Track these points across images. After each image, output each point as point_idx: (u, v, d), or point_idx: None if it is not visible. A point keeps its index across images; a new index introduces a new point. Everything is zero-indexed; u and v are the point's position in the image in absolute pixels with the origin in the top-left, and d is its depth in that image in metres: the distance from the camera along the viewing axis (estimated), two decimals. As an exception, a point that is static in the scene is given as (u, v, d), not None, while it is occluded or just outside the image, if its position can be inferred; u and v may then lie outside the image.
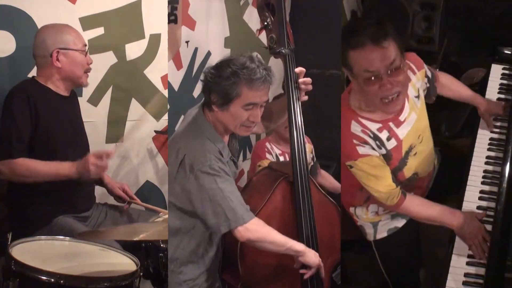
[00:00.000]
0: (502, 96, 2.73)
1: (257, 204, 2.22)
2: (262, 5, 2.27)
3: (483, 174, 2.40)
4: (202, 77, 2.16)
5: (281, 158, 3.00)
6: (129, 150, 3.13)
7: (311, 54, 3.68)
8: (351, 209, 2.55)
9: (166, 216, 2.28)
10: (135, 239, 2.09)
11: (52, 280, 1.88)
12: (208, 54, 3.37)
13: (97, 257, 2.17)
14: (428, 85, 2.52)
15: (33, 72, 2.61)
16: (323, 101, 3.45)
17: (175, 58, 3.13)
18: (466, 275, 2.08)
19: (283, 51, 2.24)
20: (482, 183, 2.36)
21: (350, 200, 2.53)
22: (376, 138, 2.28)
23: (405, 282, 2.48)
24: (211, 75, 2.10)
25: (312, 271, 2.17)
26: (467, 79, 3.46)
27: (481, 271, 2.08)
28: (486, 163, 2.44)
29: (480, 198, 2.31)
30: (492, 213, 2.23)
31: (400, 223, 2.48)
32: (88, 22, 2.80)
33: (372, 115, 2.28)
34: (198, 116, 2.19)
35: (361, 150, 2.23)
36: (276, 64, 2.71)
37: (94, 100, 2.94)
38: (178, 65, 3.17)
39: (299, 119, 2.26)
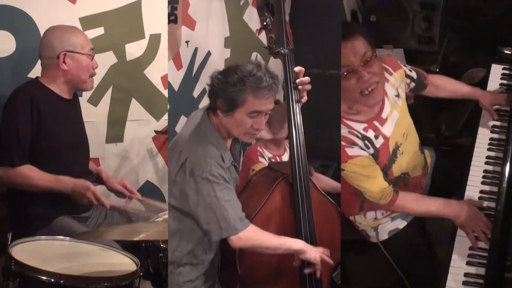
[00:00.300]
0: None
1: (256, 204, 2.22)
2: (262, 5, 2.27)
3: (483, 174, 2.40)
4: (208, 81, 2.16)
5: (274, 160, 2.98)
6: (129, 150, 3.13)
7: (311, 54, 3.68)
8: (351, 217, 2.56)
9: (166, 216, 2.28)
10: (135, 239, 2.09)
11: (52, 280, 1.88)
12: (208, 54, 3.37)
13: (97, 257, 2.17)
14: (414, 84, 2.58)
15: (33, 72, 2.61)
16: (323, 101, 3.45)
17: (175, 58, 3.13)
18: (466, 275, 2.08)
19: (282, 51, 2.24)
20: (482, 183, 2.37)
21: (348, 209, 2.55)
22: (364, 137, 2.31)
23: (419, 275, 2.47)
24: (218, 81, 2.10)
25: (314, 269, 2.17)
26: (467, 79, 3.46)
27: (481, 271, 2.08)
28: (486, 163, 2.45)
29: (480, 198, 2.31)
30: (492, 213, 2.23)
31: (401, 224, 2.49)
32: (88, 22, 2.80)
33: (356, 116, 2.32)
34: (203, 120, 2.19)
35: (350, 151, 2.26)
36: (276, 64, 2.71)
37: (94, 100, 2.94)
38: (178, 65, 3.17)
39: (298, 119, 2.26)
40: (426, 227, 2.56)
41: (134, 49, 3.02)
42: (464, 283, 2.06)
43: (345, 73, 2.20)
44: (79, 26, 2.74)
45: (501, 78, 2.81)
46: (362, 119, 2.33)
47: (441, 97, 2.69)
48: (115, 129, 3.05)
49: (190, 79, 3.27)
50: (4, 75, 2.57)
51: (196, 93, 3.31)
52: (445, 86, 2.70)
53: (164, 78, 3.13)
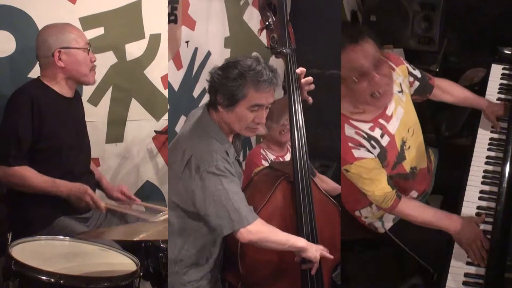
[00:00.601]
0: (502, 96, 2.74)
1: (258, 204, 2.22)
2: (264, 5, 2.27)
3: (483, 174, 2.40)
4: (208, 77, 2.16)
5: None
6: (129, 150, 3.13)
7: (311, 54, 3.68)
8: (357, 212, 2.56)
9: (166, 216, 2.28)
10: (135, 239, 2.09)
11: (52, 280, 1.88)
12: (208, 54, 3.37)
13: (97, 257, 2.17)
14: (418, 83, 2.55)
15: (33, 72, 2.61)
16: (323, 101, 3.44)
17: (175, 58, 3.13)
18: (466, 275, 2.08)
19: (285, 50, 2.25)
20: (482, 183, 2.37)
21: (354, 205, 2.54)
22: (370, 137, 2.30)
23: (431, 255, 2.44)
24: (218, 76, 2.10)
25: (311, 265, 2.17)
26: (467, 79, 3.47)
27: (481, 271, 2.08)
28: (486, 163, 2.45)
29: (480, 198, 2.32)
30: (492, 213, 2.23)
31: None
32: (88, 22, 2.80)
33: (362, 116, 2.31)
34: (203, 116, 2.19)
35: (357, 153, 2.25)
36: (275, 64, 2.71)
37: (94, 100, 2.94)
38: (178, 65, 3.17)
39: (300, 118, 2.26)
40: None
41: (134, 49, 3.02)
42: (464, 283, 2.07)
43: (355, 78, 2.18)
44: (79, 26, 2.74)
45: (501, 78, 2.81)
46: (367, 118, 2.32)
47: (444, 101, 2.68)
48: (115, 129, 3.04)
49: (190, 79, 3.27)
50: (4, 75, 2.57)
51: (196, 93, 3.31)
52: (453, 91, 2.68)
53: (164, 78, 3.13)
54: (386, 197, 2.27)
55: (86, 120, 2.72)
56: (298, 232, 2.23)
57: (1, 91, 2.49)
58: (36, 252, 2.07)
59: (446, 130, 3.51)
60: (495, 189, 2.32)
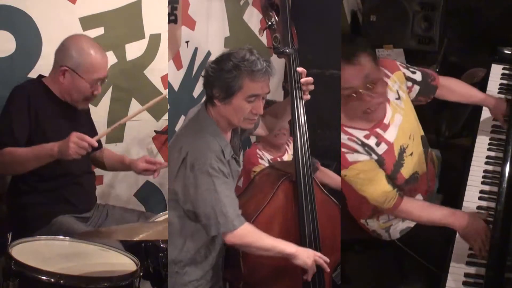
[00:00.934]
0: (502, 96, 2.73)
1: (260, 203, 2.22)
2: (266, 5, 2.27)
3: (483, 174, 2.40)
4: (203, 72, 2.16)
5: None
6: (129, 150, 3.13)
7: (311, 54, 3.68)
8: (362, 221, 2.56)
9: (166, 216, 2.28)
10: (135, 239, 2.09)
11: (52, 280, 1.88)
12: (208, 54, 3.37)
13: (97, 257, 2.17)
14: (418, 87, 2.53)
15: (33, 72, 2.62)
16: (323, 101, 3.44)
17: (175, 58, 3.13)
18: (466, 275, 2.08)
19: (287, 50, 2.25)
20: (482, 183, 2.37)
21: (358, 213, 2.55)
22: (364, 145, 2.31)
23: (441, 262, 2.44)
24: (212, 69, 2.11)
25: (309, 273, 2.16)
26: (467, 79, 3.46)
27: (481, 271, 2.08)
28: (486, 163, 2.45)
29: (480, 198, 2.32)
30: (492, 213, 2.23)
31: (412, 223, 2.47)
32: (88, 22, 2.80)
33: (357, 123, 2.31)
34: (201, 114, 2.20)
35: (351, 157, 2.26)
36: (276, 63, 2.71)
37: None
38: (178, 65, 3.17)
39: (302, 118, 2.27)
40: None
41: (134, 49, 3.02)
42: (464, 283, 2.06)
43: (346, 96, 2.17)
44: (79, 26, 2.75)
45: (501, 78, 2.81)
46: (363, 126, 2.32)
47: (452, 100, 2.66)
48: (115, 129, 3.04)
49: (190, 79, 3.27)
50: (4, 75, 2.57)
51: (196, 93, 3.31)
52: (459, 90, 2.64)
53: (164, 78, 3.13)
54: (388, 197, 2.26)
55: (86, 120, 2.72)
56: (300, 232, 2.23)
57: (1, 91, 2.49)
58: (36, 252, 2.07)
59: (446, 130, 3.51)
60: (495, 189, 2.32)
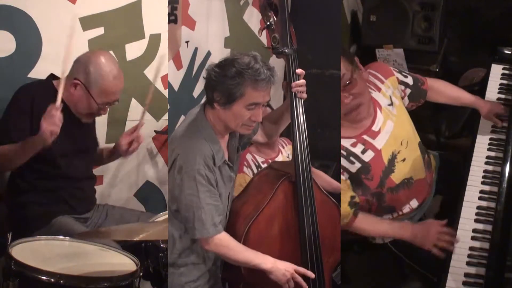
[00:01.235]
0: (502, 96, 2.74)
1: (260, 204, 2.22)
2: (265, 4, 2.27)
3: (483, 174, 2.40)
4: (204, 74, 2.16)
5: (265, 166, 2.96)
6: (129, 150, 3.13)
7: (311, 54, 3.68)
8: None
9: (166, 216, 2.28)
10: (135, 239, 2.09)
11: (52, 280, 1.89)
12: (208, 54, 3.36)
13: (97, 257, 2.17)
14: (410, 90, 2.55)
15: (33, 72, 2.61)
16: (323, 101, 3.44)
17: (175, 58, 3.13)
18: (466, 275, 2.08)
19: (286, 51, 2.24)
20: (482, 183, 2.37)
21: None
22: (349, 154, 2.35)
23: (433, 264, 2.46)
24: (215, 74, 2.10)
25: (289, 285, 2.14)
26: (467, 79, 3.47)
27: (481, 271, 2.08)
28: (486, 163, 2.45)
29: (480, 198, 2.32)
30: (492, 213, 2.23)
31: None
32: (88, 22, 2.80)
33: (344, 132, 2.36)
34: (199, 116, 2.19)
35: None
36: (276, 64, 2.70)
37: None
38: (178, 65, 3.17)
39: (301, 118, 2.26)
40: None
41: (134, 49, 3.02)
42: (464, 283, 2.06)
43: None
44: (79, 26, 2.74)
45: (501, 78, 2.81)
46: (350, 134, 2.37)
47: (438, 102, 2.69)
48: (115, 129, 3.04)
49: (190, 79, 3.27)
50: (4, 75, 2.57)
51: (196, 93, 3.31)
52: (446, 92, 2.68)
53: (164, 78, 3.12)
54: (344, 215, 2.33)
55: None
56: (300, 233, 2.22)
57: (1, 91, 2.49)
58: (36, 252, 2.07)
59: (446, 130, 3.51)
60: (495, 189, 2.32)
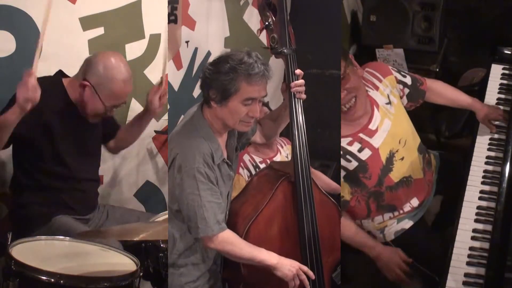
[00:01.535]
0: (502, 96, 2.74)
1: (259, 204, 2.22)
2: (263, 4, 2.27)
3: (483, 174, 2.40)
4: (200, 74, 2.16)
5: (263, 165, 2.96)
6: (129, 150, 3.13)
7: (311, 54, 3.68)
8: (357, 221, 2.57)
9: (166, 216, 2.28)
10: (135, 239, 2.09)
11: (52, 280, 1.89)
12: (208, 54, 3.36)
13: (97, 257, 2.17)
14: (408, 90, 2.56)
15: (33, 73, 2.61)
16: (323, 101, 3.44)
17: (175, 58, 3.13)
18: (466, 275, 2.08)
19: (285, 51, 2.24)
20: (482, 183, 2.37)
21: (354, 215, 2.56)
22: (345, 153, 2.37)
23: (436, 264, 2.46)
24: (209, 71, 2.11)
25: (289, 286, 2.14)
26: (467, 79, 3.47)
27: (481, 271, 2.08)
28: (486, 163, 2.45)
29: (480, 198, 2.32)
30: (492, 213, 2.23)
31: (408, 224, 2.52)
32: (88, 22, 2.80)
33: (342, 131, 2.37)
34: (196, 115, 2.20)
35: None
36: (275, 64, 2.70)
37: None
38: (178, 65, 3.17)
39: (300, 118, 2.26)
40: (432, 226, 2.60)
41: (134, 49, 3.01)
42: (464, 283, 2.06)
43: None
44: (79, 26, 2.74)
45: (501, 78, 2.81)
46: (346, 133, 2.38)
47: (436, 103, 2.69)
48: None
49: (190, 79, 3.26)
50: (4, 75, 2.57)
51: (196, 93, 3.31)
52: (444, 93, 2.68)
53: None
54: None
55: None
56: (299, 232, 2.22)
57: (1, 91, 2.49)
58: (36, 252, 2.07)
59: (446, 130, 3.51)
60: (495, 189, 2.32)
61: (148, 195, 3.25)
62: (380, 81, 2.47)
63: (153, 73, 3.12)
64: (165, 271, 2.23)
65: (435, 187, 2.66)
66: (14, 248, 2.01)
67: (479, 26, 3.55)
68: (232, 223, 2.24)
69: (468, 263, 2.12)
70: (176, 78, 3.16)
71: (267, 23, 2.27)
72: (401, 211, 2.51)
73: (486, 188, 2.34)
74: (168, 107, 3.10)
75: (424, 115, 3.13)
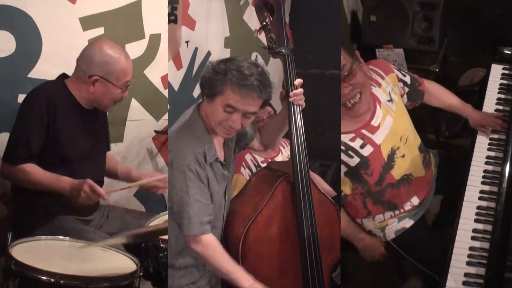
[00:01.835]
0: (502, 96, 2.74)
1: (258, 204, 2.21)
2: (261, 5, 2.26)
3: (483, 174, 2.40)
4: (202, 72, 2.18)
5: (265, 165, 2.96)
6: (129, 150, 3.13)
7: (311, 54, 3.69)
8: (358, 220, 2.57)
9: (166, 216, 2.28)
10: (142, 232, 2.11)
11: (52, 280, 1.88)
12: (208, 54, 3.37)
13: (97, 257, 2.17)
14: (408, 89, 2.57)
15: (33, 72, 2.61)
16: (323, 101, 3.44)
17: (175, 58, 3.13)
18: (466, 275, 2.08)
19: (283, 51, 2.24)
20: (482, 183, 2.37)
21: (354, 213, 2.56)
22: (347, 148, 2.37)
23: (436, 263, 2.46)
24: (207, 69, 2.13)
25: None
26: (467, 79, 3.47)
27: (481, 271, 2.08)
28: (486, 163, 2.45)
29: (480, 198, 2.32)
30: (492, 213, 2.23)
31: (408, 223, 2.52)
32: (88, 22, 2.80)
33: (344, 127, 2.37)
34: (192, 113, 2.21)
35: None
36: (275, 64, 2.71)
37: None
38: (178, 65, 3.17)
39: (298, 119, 2.26)
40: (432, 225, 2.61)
41: (134, 49, 3.02)
42: (464, 283, 2.06)
43: None
44: (79, 26, 2.74)
45: (501, 78, 2.81)
46: (349, 129, 2.38)
47: (431, 104, 2.70)
48: (115, 129, 3.04)
49: (190, 79, 3.27)
50: (4, 75, 2.57)
51: (196, 93, 3.31)
52: (439, 96, 2.69)
53: (164, 78, 3.13)
54: None
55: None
56: (298, 233, 2.23)
57: (1, 91, 2.49)
58: (36, 252, 2.07)
59: (446, 130, 3.51)
60: (495, 189, 2.32)
61: (148, 195, 3.24)
62: (383, 78, 2.48)
63: (153, 73, 3.13)
64: (165, 271, 2.23)
65: (435, 185, 2.66)
66: (14, 248, 2.01)
67: (479, 26, 3.55)
68: (231, 224, 2.24)
69: (468, 263, 2.12)
70: (176, 78, 3.16)
71: (264, 23, 2.26)
72: (402, 210, 2.52)
73: (486, 188, 2.35)
74: (168, 107, 3.10)
75: (424, 115, 3.14)
